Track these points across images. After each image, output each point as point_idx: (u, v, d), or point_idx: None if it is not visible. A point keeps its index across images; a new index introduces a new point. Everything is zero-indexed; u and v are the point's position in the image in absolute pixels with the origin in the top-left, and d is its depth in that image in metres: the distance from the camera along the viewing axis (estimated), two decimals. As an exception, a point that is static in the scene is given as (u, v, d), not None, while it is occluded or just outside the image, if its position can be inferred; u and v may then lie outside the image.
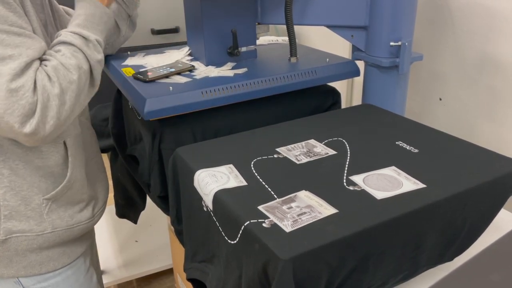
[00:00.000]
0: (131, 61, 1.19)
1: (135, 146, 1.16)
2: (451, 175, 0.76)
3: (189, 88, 0.99)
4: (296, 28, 1.16)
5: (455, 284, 0.77)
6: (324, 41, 1.94)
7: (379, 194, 0.70)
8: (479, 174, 0.76)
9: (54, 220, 0.96)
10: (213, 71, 1.10)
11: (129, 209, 1.45)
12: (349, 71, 1.16)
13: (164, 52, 1.26)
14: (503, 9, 1.20)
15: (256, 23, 1.20)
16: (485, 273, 0.78)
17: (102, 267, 1.77)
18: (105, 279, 1.75)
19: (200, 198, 0.78)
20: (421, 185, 0.73)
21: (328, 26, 1.18)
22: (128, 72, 1.10)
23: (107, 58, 1.24)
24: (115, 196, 1.44)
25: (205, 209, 0.77)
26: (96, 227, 2.04)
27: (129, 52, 1.27)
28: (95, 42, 0.88)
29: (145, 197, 1.39)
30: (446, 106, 1.44)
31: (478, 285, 0.76)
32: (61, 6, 1.06)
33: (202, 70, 1.11)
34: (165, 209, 1.04)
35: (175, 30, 1.60)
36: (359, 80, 1.73)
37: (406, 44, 1.09)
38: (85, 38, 0.87)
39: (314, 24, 1.18)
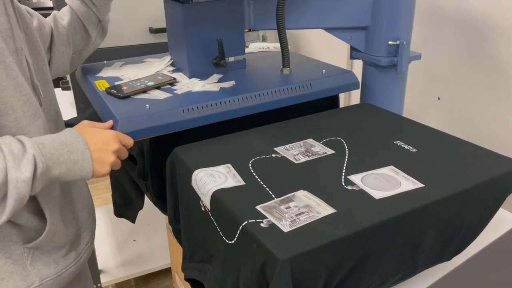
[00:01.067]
0: (107, 72, 1.08)
1: (133, 145, 1.16)
2: (449, 174, 0.76)
3: (168, 106, 0.90)
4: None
5: (454, 283, 0.77)
6: (322, 40, 1.94)
7: (377, 194, 0.70)
8: (478, 173, 0.76)
9: (40, 270, 0.81)
10: (197, 85, 1.01)
11: (127, 208, 1.45)
12: (347, 83, 1.09)
13: (144, 61, 1.17)
14: (503, 9, 1.20)
15: (246, 30, 1.10)
16: (483, 272, 0.78)
17: (100, 266, 1.77)
18: (103, 279, 1.75)
19: (198, 198, 0.77)
20: (419, 185, 0.73)
21: (326, 29, 1.16)
22: (102, 86, 0.99)
23: (81, 68, 1.13)
24: (113, 195, 1.43)
25: (203, 209, 0.77)
26: (94, 226, 2.06)
27: (105, 61, 1.15)
28: (30, 156, 0.65)
29: (143, 197, 1.38)
30: (445, 106, 1.43)
31: (477, 284, 0.76)
32: (23, 6, 0.88)
33: (185, 84, 1.02)
34: (163, 209, 1.04)
35: (173, 29, 1.60)
36: (357, 79, 1.73)
37: (405, 43, 1.09)
38: (22, 146, 0.66)
39: (313, 27, 1.15)
